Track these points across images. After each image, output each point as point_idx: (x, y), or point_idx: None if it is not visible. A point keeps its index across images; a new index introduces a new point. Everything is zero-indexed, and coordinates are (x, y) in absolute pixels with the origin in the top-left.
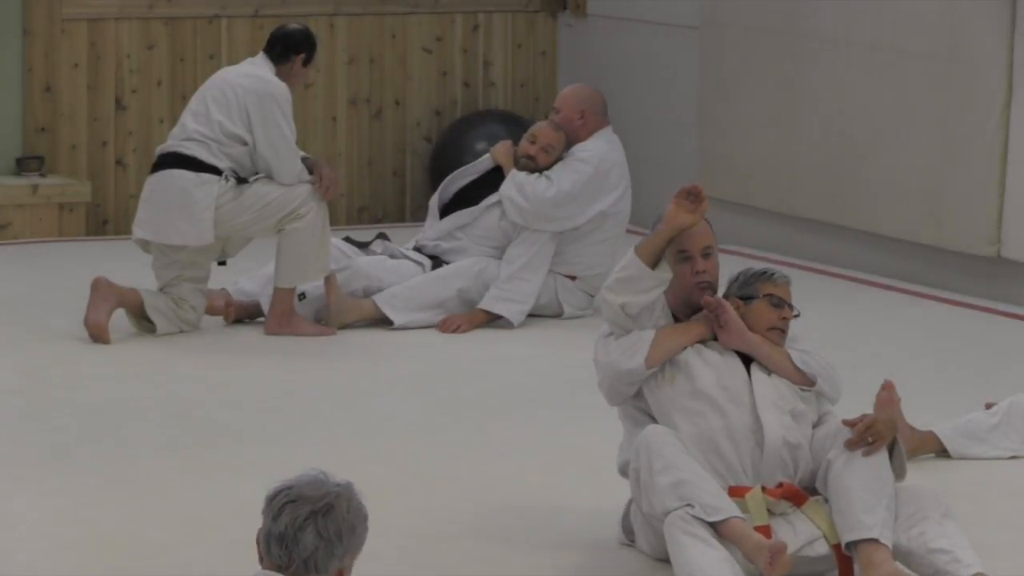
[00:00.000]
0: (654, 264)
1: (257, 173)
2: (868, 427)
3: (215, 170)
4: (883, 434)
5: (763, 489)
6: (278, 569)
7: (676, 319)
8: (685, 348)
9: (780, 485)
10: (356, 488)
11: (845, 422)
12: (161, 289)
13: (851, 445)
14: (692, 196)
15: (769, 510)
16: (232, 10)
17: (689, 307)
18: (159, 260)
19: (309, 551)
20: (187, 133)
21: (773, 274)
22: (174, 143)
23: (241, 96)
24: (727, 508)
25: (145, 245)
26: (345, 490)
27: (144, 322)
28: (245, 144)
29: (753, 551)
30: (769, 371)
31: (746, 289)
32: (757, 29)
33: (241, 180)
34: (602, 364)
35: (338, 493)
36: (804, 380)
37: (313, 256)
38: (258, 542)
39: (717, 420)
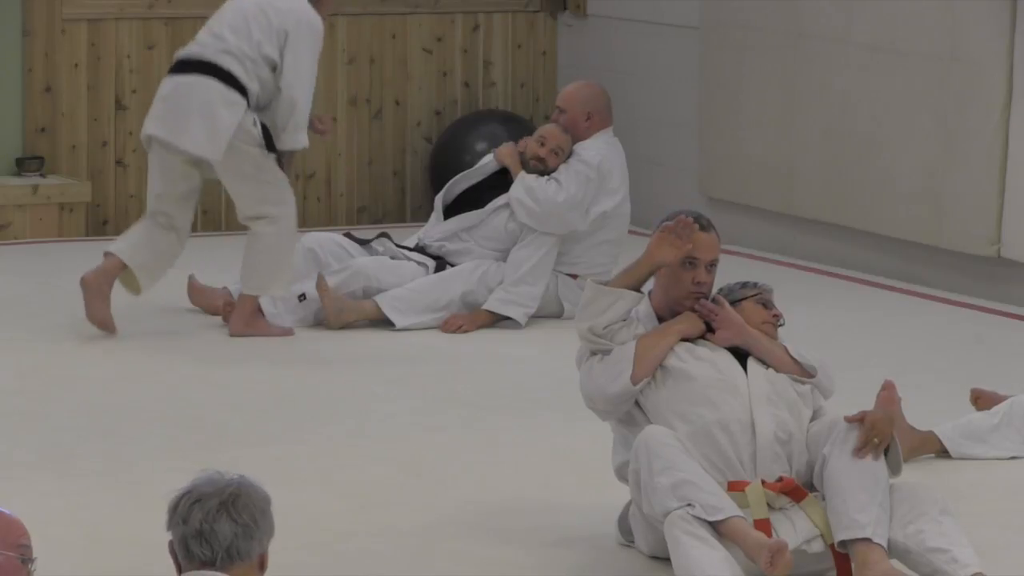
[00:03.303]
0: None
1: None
2: (871, 428)
3: (243, 91)
4: (885, 431)
5: (763, 483)
6: (203, 566)
7: (661, 321)
8: (671, 349)
9: (780, 479)
10: (252, 478)
11: (847, 418)
12: (151, 213)
13: (859, 452)
14: (680, 232)
15: (768, 504)
16: None
17: (676, 311)
18: (156, 165)
19: (229, 539)
20: (226, 46)
21: (757, 283)
22: (208, 51)
23: (281, 19)
24: (727, 507)
25: (148, 142)
26: (244, 480)
27: (131, 278)
28: (273, 70)
29: (753, 549)
30: (766, 365)
31: (733, 296)
32: (757, 29)
33: (267, 140)
34: (589, 391)
35: (239, 483)
36: (802, 371)
37: (277, 269)
38: (172, 552)
39: (711, 414)
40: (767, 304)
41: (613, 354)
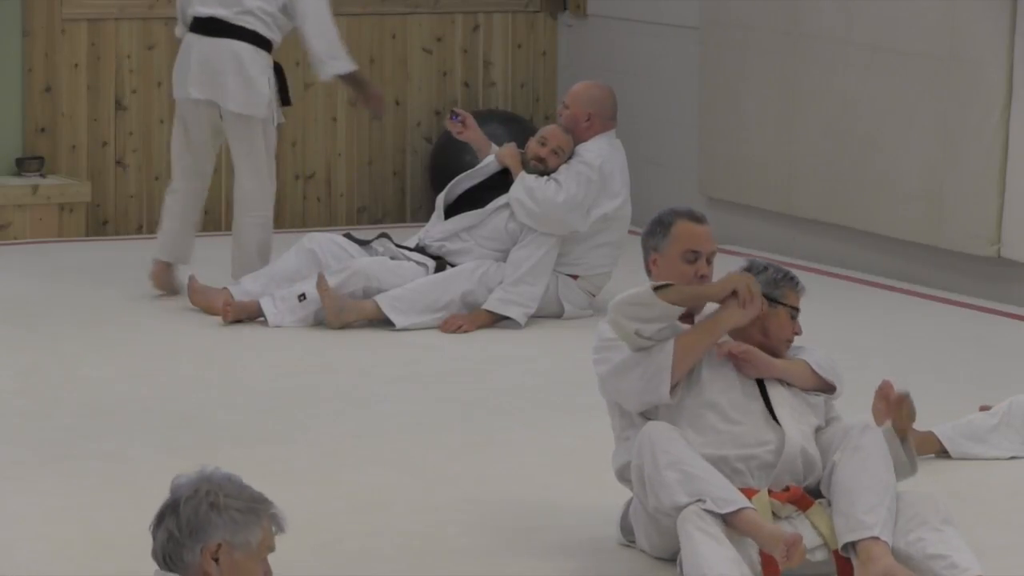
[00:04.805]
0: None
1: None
2: (900, 402)
3: (269, 45)
4: (911, 412)
5: (769, 492)
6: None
7: None
8: (708, 349)
9: (787, 489)
10: (217, 478)
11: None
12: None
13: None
14: (750, 302)
15: (774, 513)
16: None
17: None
18: (188, 123)
19: (160, 546)
20: (245, 7)
21: (798, 283)
22: (229, 13)
23: None
24: (738, 500)
25: (183, 104)
26: (194, 484)
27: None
28: (285, 12)
29: (768, 542)
30: (785, 383)
31: (774, 291)
32: (757, 29)
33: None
34: (618, 391)
35: (183, 487)
36: (825, 386)
37: (256, 256)
38: None
39: (727, 428)
40: (796, 317)
41: (647, 360)
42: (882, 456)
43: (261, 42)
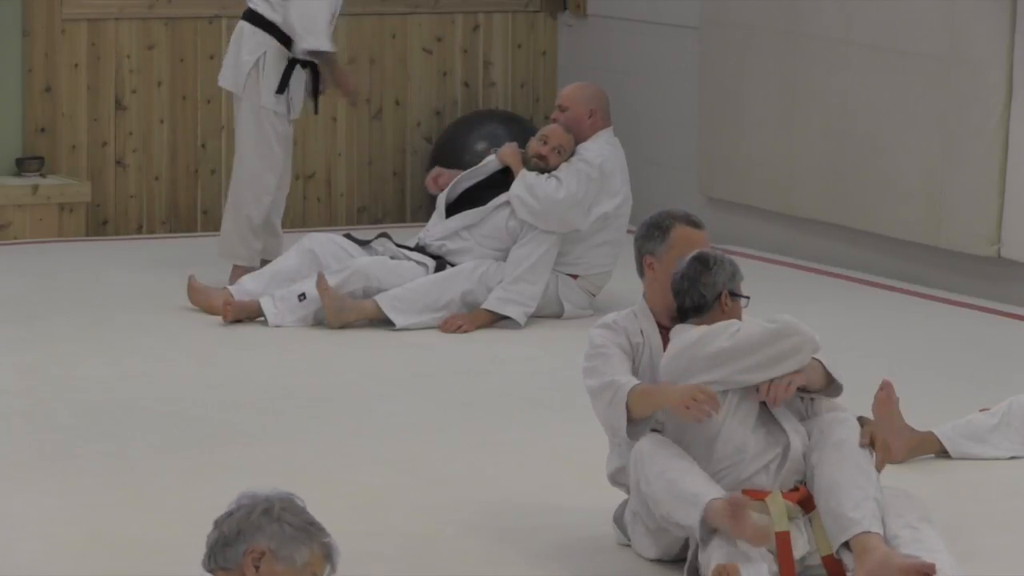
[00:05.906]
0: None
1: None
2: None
3: (271, 27)
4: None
5: (782, 493)
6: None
7: (660, 325)
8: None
9: (795, 489)
10: (281, 495)
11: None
12: None
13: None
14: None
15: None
16: (232, 10)
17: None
18: None
19: (209, 546)
20: None
21: (737, 271)
22: None
23: None
24: (709, 492)
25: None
26: (256, 496)
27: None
28: None
29: (714, 516)
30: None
31: (733, 285)
32: (757, 29)
33: (281, 88)
34: (594, 410)
35: (245, 497)
36: (832, 384)
37: (239, 239)
38: None
39: (744, 441)
40: (746, 303)
41: (612, 396)
42: (861, 446)
43: (262, 22)
